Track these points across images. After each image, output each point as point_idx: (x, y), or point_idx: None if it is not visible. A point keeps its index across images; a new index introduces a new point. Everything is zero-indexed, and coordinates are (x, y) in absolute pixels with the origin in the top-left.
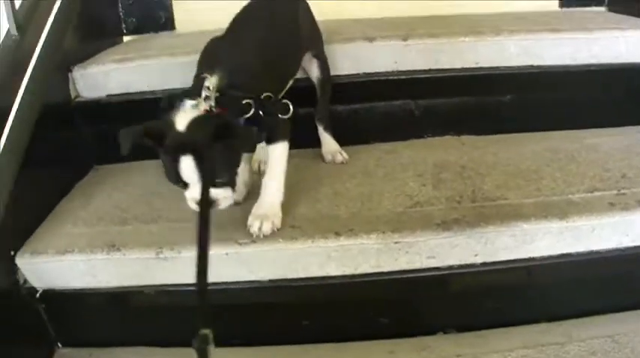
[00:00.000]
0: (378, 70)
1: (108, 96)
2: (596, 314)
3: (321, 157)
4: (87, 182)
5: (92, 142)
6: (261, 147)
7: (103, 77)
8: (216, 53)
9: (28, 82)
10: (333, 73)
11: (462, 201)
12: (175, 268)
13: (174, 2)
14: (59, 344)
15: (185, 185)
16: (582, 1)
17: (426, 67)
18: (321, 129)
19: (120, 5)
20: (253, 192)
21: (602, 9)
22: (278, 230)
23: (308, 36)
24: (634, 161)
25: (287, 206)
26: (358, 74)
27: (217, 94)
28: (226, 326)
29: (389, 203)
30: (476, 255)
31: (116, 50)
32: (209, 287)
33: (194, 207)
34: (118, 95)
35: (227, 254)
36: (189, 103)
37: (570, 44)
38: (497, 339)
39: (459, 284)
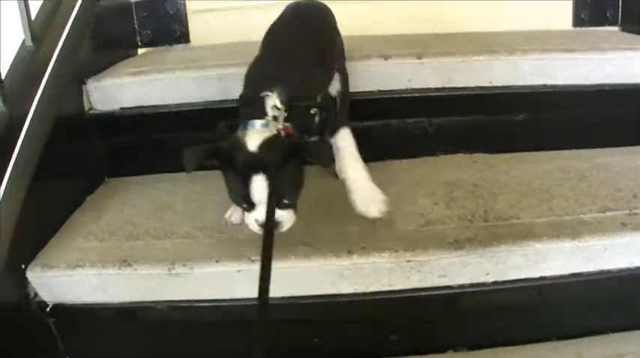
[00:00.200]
0: (392, 88)
1: (121, 109)
2: (606, 332)
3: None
4: (98, 195)
5: (104, 155)
6: None
7: (117, 90)
8: (267, 71)
9: (42, 94)
10: None
11: (474, 220)
12: (188, 284)
13: (189, 15)
14: None
15: (250, 206)
16: (595, 20)
17: (440, 86)
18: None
19: (135, 18)
20: None
21: (615, 28)
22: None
23: (336, 50)
24: None
25: (299, 223)
26: (372, 91)
27: (285, 113)
28: (237, 342)
29: (401, 221)
30: (487, 274)
31: (130, 63)
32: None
33: (255, 228)
34: (132, 108)
35: (239, 271)
36: (258, 123)
37: (584, 64)
38: (508, 357)
39: (470, 302)
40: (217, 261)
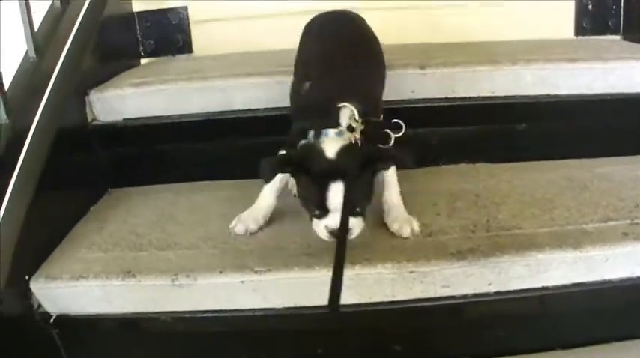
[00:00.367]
0: (395, 98)
1: (124, 120)
2: (609, 342)
3: None
4: (102, 206)
5: (107, 165)
6: None
7: (120, 101)
8: (339, 82)
9: (45, 105)
10: None
11: (477, 230)
12: (191, 295)
13: (192, 25)
14: None
15: (323, 213)
16: (597, 29)
17: (443, 96)
18: None
19: (138, 28)
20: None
21: (617, 37)
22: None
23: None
24: None
25: (302, 234)
26: None
27: (362, 126)
28: (240, 353)
29: (405, 232)
30: (490, 284)
31: (133, 74)
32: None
33: (324, 235)
34: (135, 119)
35: (242, 281)
36: (332, 132)
37: (586, 74)
38: None
39: (472, 312)
40: (221, 272)
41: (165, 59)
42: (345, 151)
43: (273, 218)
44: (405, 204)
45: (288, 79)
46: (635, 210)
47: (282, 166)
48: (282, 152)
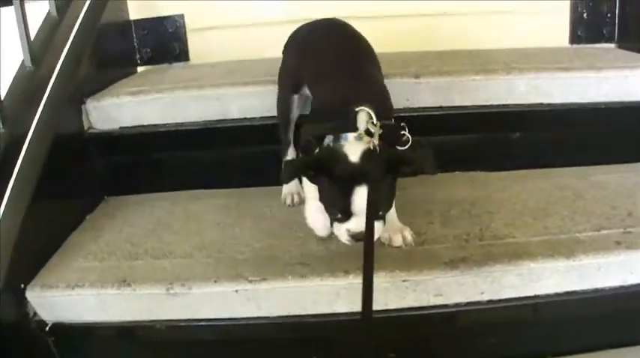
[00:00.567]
0: None
1: (121, 128)
2: (602, 349)
3: None
4: (98, 214)
5: (104, 174)
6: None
7: (116, 110)
8: (353, 86)
9: (42, 114)
10: None
11: (470, 239)
12: (186, 304)
13: (188, 33)
14: None
15: (346, 216)
16: (592, 37)
17: (437, 105)
18: None
19: (135, 36)
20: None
21: (612, 45)
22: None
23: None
24: None
25: (296, 244)
26: None
27: (380, 129)
28: None
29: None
30: (482, 293)
31: (130, 82)
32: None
33: (345, 238)
34: (131, 127)
35: (237, 291)
36: (351, 136)
37: (580, 83)
38: None
39: (465, 321)
40: (215, 281)
41: (161, 67)
42: (367, 155)
43: (268, 227)
44: (399, 212)
45: None
46: (628, 218)
47: (305, 169)
48: (288, 158)
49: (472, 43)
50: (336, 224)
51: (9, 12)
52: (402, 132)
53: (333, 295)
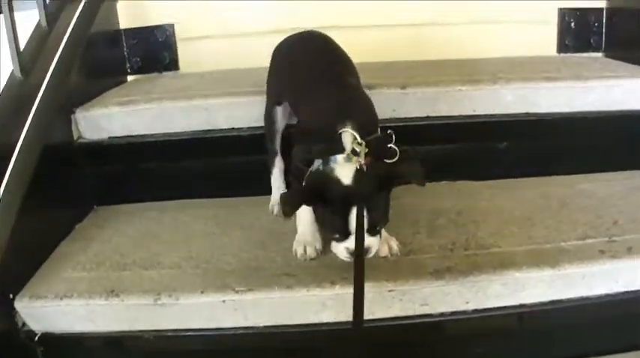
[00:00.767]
0: None
1: (110, 138)
2: (587, 357)
3: None
4: (87, 224)
5: (93, 183)
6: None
7: (106, 120)
8: (335, 104)
9: (31, 123)
10: None
11: (455, 248)
12: (174, 314)
13: (178, 43)
14: None
15: (345, 236)
16: (579, 47)
17: (424, 115)
18: None
19: (124, 45)
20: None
21: (599, 54)
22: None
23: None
24: (625, 207)
25: (283, 254)
26: None
27: (366, 148)
28: None
29: (383, 251)
30: (467, 303)
31: (119, 92)
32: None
33: (344, 255)
34: (120, 137)
35: (224, 301)
36: (340, 158)
37: (566, 93)
38: None
39: (451, 330)
40: (202, 292)
41: (151, 76)
42: (359, 175)
43: (256, 237)
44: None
45: None
46: (613, 227)
47: (303, 201)
48: (275, 168)
49: (460, 52)
50: (333, 243)
51: None
52: (389, 145)
53: (320, 305)
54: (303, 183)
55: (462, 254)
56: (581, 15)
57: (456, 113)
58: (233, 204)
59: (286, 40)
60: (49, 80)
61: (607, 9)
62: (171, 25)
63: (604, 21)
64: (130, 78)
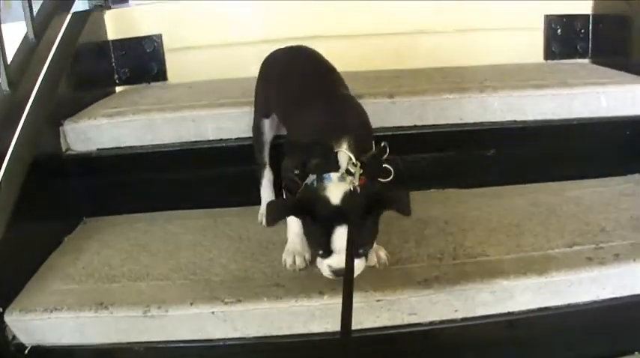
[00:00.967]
0: None
1: (98, 149)
2: None
3: None
4: (76, 236)
5: (82, 195)
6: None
7: (94, 131)
8: (330, 120)
9: (19, 136)
10: None
11: (444, 257)
12: (163, 326)
13: (166, 54)
14: None
15: (328, 254)
16: (566, 53)
17: (412, 124)
18: None
19: (112, 56)
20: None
21: (586, 61)
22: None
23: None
24: (613, 214)
25: (272, 265)
26: None
27: (361, 169)
28: None
29: (371, 261)
30: (456, 311)
31: (107, 103)
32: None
33: (327, 272)
34: (109, 149)
35: (213, 312)
36: (334, 176)
37: (553, 100)
38: None
39: (440, 339)
40: (192, 304)
41: (140, 87)
42: (348, 198)
43: (244, 248)
44: None
45: None
46: (600, 234)
47: (288, 213)
48: (264, 179)
49: (447, 60)
50: (318, 259)
51: None
52: (384, 166)
53: (308, 316)
54: (296, 196)
55: (450, 263)
56: (568, 22)
57: (443, 121)
58: (222, 214)
59: (273, 54)
60: (37, 92)
61: (593, 15)
62: (159, 36)
63: (590, 27)
64: (118, 89)
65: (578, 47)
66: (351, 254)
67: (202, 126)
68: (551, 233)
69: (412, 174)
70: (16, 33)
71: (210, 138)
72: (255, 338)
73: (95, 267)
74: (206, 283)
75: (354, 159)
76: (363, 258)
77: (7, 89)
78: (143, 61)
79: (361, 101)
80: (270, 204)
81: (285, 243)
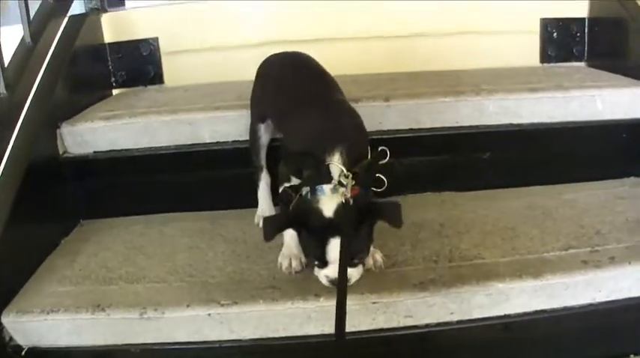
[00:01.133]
0: None
1: (95, 152)
2: None
3: None
4: (73, 238)
5: (79, 197)
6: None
7: (91, 134)
8: (323, 130)
9: (16, 138)
10: None
11: (439, 260)
12: (159, 328)
13: (163, 57)
14: None
15: (324, 264)
16: (562, 56)
17: (408, 127)
18: None
19: (109, 59)
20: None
21: (582, 64)
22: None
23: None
24: (608, 217)
25: (268, 267)
26: None
27: (352, 181)
28: None
29: (367, 264)
30: (452, 314)
31: (104, 106)
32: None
33: (324, 281)
34: (105, 152)
35: (209, 314)
36: (327, 189)
37: (548, 103)
38: None
39: (436, 341)
40: (188, 306)
41: (136, 90)
42: (341, 210)
43: (240, 250)
44: None
45: None
46: (595, 237)
47: (284, 226)
48: (262, 182)
49: (443, 64)
50: (316, 268)
51: None
52: (378, 175)
53: (304, 318)
54: (290, 208)
55: (446, 265)
56: (564, 25)
57: (439, 125)
58: (219, 216)
59: (269, 60)
60: (34, 95)
61: (589, 19)
62: (156, 39)
63: (586, 31)
64: (114, 92)
65: (574, 50)
66: (345, 265)
67: (199, 130)
68: (547, 236)
69: (408, 177)
70: (13, 36)
71: (207, 141)
72: (252, 340)
73: (92, 269)
74: (202, 285)
75: (345, 171)
76: (360, 266)
77: (4, 92)
78: (139, 64)
79: (357, 104)
80: (266, 220)
81: (281, 245)
